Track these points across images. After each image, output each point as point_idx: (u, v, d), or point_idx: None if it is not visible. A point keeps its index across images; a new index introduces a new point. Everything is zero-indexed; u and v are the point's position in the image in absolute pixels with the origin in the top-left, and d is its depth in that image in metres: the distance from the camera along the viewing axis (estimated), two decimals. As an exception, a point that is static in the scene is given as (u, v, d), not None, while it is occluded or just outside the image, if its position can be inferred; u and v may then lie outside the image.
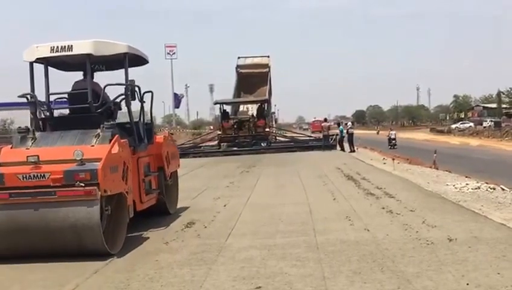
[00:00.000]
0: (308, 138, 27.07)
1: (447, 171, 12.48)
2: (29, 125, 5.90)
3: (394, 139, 26.12)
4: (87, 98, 5.80)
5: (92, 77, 6.14)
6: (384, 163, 14.71)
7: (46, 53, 5.89)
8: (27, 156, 5.05)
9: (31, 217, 4.91)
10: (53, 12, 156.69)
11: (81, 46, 5.84)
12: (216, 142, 24.22)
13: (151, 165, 6.71)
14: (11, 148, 5.48)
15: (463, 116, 67.42)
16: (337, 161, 15.94)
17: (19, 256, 4.96)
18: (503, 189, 8.86)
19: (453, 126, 53.90)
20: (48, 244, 4.95)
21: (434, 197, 7.80)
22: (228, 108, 25.58)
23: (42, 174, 4.93)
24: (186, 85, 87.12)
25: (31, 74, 6.04)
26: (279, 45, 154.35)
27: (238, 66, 27.21)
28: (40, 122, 5.99)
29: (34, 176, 4.93)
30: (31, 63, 6.00)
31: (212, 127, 43.54)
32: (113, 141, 5.32)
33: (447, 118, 74.88)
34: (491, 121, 51.36)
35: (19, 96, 6.13)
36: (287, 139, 26.00)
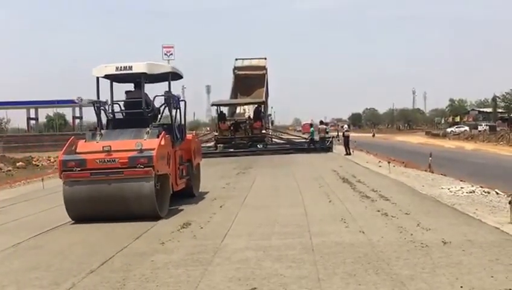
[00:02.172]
0: (304, 140, 27.12)
1: (442, 174, 12.53)
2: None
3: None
4: (141, 104, 7.64)
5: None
6: (380, 166, 14.75)
7: (112, 71, 7.68)
8: (103, 147, 6.92)
9: (105, 190, 6.78)
10: (51, 11, 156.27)
11: (139, 67, 7.65)
12: (213, 143, 24.22)
13: (183, 157, 8.54)
14: (85, 141, 7.27)
15: (458, 120, 67.66)
16: (333, 163, 15.99)
17: (96, 218, 6.77)
18: (497, 193, 8.91)
19: (449, 130, 54.07)
20: (117, 208, 6.79)
21: (429, 201, 7.84)
22: (225, 109, 25.59)
23: (113, 159, 6.80)
24: (183, 86, 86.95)
25: (98, 86, 7.77)
26: (277, 47, 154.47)
27: (235, 68, 27.25)
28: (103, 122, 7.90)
29: (107, 160, 6.82)
30: (98, 78, 7.73)
31: (209, 128, 43.56)
32: (161, 136, 7.14)
33: (443, 121, 75.14)
34: (486, 125, 51.63)
35: (90, 102, 8.01)
36: (283, 141, 26.03)
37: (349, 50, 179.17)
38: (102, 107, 7.79)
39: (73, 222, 7.04)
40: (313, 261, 4.53)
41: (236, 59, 27.70)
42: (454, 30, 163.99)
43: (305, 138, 28.79)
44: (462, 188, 9.28)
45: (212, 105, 25.60)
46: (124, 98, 8.10)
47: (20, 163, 19.68)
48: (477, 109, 69.81)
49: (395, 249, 4.82)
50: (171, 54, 51.44)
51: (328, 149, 22.14)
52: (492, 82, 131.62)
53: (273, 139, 26.35)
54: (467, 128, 53.31)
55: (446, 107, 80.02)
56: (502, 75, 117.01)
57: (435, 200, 7.82)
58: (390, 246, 4.93)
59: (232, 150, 22.03)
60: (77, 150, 7.09)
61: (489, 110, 64.61)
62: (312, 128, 24.74)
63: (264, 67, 27.06)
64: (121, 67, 7.60)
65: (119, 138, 7.17)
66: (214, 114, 26.52)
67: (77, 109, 51.73)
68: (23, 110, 51.68)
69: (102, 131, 7.50)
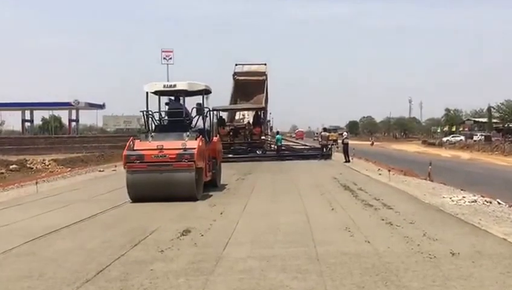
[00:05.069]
0: (303, 146, 27.01)
1: (441, 183, 12.43)
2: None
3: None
4: (181, 114, 9.97)
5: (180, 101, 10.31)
6: (380, 174, 14.65)
7: (160, 88, 10.07)
8: (157, 145, 9.07)
9: (158, 178, 8.90)
10: (48, 11, 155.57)
11: (181, 85, 10.01)
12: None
13: (210, 155, 10.44)
14: (140, 141, 9.44)
15: (454, 129, 67.85)
16: (333, 170, 15.88)
17: (150, 200, 8.68)
18: (499, 203, 8.81)
19: (444, 139, 54.14)
20: (166, 192, 8.83)
21: (432, 210, 7.72)
22: (224, 115, 25.44)
23: (164, 155, 9.00)
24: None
25: (147, 98, 10.03)
26: (274, 54, 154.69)
27: (235, 73, 27.11)
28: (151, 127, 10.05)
29: (160, 155, 9.00)
30: (147, 93, 10.00)
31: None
32: (199, 138, 9.41)
33: (439, 130, 75.31)
34: (482, 135, 51.79)
35: (141, 111, 10.02)
36: (282, 148, 25.89)
37: (346, 57, 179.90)
38: (150, 115, 9.95)
39: (66, 227, 6.84)
40: (319, 271, 4.36)
41: (236, 64, 27.59)
42: (450, 40, 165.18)
43: (304, 144, 28.76)
44: (464, 197, 9.17)
45: (212, 110, 25.44)
46: (165, 108, 10.38)
47: (14, 165, 19.36)
48: (473, 119, 70.05)
49: (403, 260, 4.66)
50: (170, 58, 51.42)
51: (328, 156, 22.06)
52: (488, 93, 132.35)
53: (272, 146, 26.22)
54: (462, 137, 53.45)
55: (442, 117, 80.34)
56: (497, 86, 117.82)
57: (438, 209, 7.70)
58: (398, 257, 4.77)
59: (231, 155, 21.86)
60: (135, 148, 9.16)
61: (484, 120, 64.87)
62: (277, 136, 24.39)
63: (264, 73, 26.94)
64: (167, 85, 10.03)
65: (166, 139, 9.27)
66: (214, 119, 26.25)
67: (73, 111, 51.41)
68: (18, 112, 51.23)
69: (152, 133, 9.61)
